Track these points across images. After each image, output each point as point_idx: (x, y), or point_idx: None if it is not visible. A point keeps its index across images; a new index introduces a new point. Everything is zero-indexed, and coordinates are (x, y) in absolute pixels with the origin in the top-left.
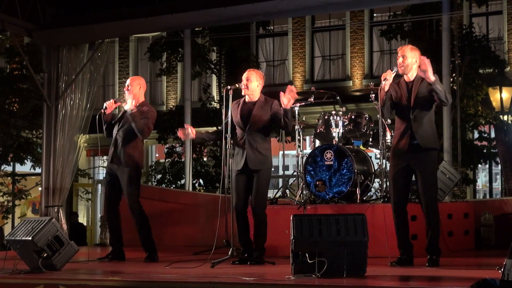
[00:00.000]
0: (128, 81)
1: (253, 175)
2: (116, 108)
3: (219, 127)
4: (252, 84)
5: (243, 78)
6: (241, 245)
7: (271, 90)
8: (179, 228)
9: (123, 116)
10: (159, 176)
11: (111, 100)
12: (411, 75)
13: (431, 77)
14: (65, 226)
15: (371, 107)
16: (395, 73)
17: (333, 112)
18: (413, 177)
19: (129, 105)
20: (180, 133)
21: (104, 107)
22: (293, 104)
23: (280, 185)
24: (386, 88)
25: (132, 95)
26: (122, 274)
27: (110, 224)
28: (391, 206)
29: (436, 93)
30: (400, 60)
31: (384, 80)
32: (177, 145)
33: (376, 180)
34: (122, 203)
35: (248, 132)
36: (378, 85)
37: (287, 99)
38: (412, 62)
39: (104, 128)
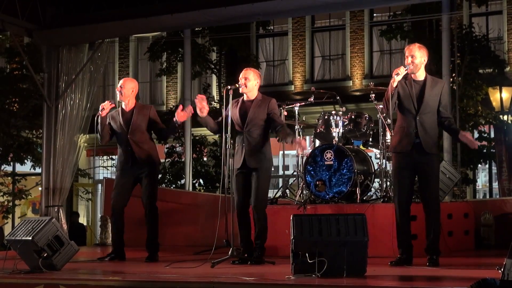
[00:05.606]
0: (121, 82)
1: (253, 174)
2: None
3: (219, 120)
4: (250, 83)
5: (240, 77)
6: (241, 245)
7: (271, 90)
8: (179, 228)
9: (130, 119)
10: (159, 176)
11: (107, 102)
12: (419, 74)
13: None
14: (65, 226)
15: (371, 107)
16: (407, 70)
17: (333, 112)
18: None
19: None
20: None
21: (100, 109)
22: (292, 105)
23: (280, 185)
24: (395, 84)
25: (124, 97)
26: (123, 274)
27: (115, 224)
28: (394, 205)
29: (453, 135)
30: (409, 59)
31: (396, 75)
32: (177, 145)
33: (376, 180)
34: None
35: (246, 130)
36: (378, 85)
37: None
38: (421, 61)
39: (100, 130)
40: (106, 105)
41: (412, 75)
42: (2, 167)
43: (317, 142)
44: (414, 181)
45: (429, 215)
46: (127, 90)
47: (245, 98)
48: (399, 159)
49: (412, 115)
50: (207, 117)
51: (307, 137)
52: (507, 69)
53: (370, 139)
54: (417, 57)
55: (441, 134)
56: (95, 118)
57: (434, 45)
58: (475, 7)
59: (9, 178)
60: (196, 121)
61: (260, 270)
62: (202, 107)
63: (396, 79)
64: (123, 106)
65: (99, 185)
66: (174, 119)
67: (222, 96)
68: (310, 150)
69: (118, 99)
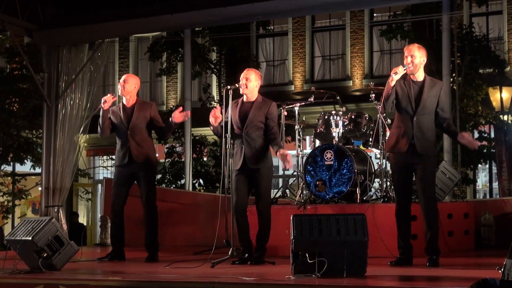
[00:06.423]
0: (124, 77)
1: (254, 175)
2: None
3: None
4: (251, 84)
5: (241, 78)
6: (241, 245)
7: (271, 90)
8: (179, 228)
9: (131, 116)
10: (159, 176)
11: (109, 95)
12: (418, 75)
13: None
14: (65, 226)
15: (371, 107)
16: (405, 70)
17: (333, 112)
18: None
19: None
20: (213, 112)
21: (102, 102)
22: (292, 105)
23: (280, 185)
24: (393, 83)
25: (126, 92)
26: (122, 274)
27: (114, 224)
28: (395, 206)
29: (453, 137)
30: (408, 59)
31: (394, 73)
32: (177, 145)
33: (376, 180)
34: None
35: (246, 131)
36: (378, 85)
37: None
38: (420, 61)
39: (101, 123)
40: (108, 98)
41: (411, 76)
42: (2, 167)
43: (317, 142)
44: (412, 181)
45: (426, 215)
46: (129, 86)
47: (244, 99)
48: (396, 160)
49: (410, 116)
50: (218, 126)
51: (307, 137)
52: (507, 69)
53: (370, 139)
54: (417, 57)
55: (441, 135)
56: (98, 111)
57: (434, 45)
58: (475, 7)
59: (9, 178)
60: (196, 121)
61: (260, 270)
62: (217, 117)
63: (394, 78)
64: (124, 102)
65: (99, 185)
66: (170, 119)
67: (222, 96)
68: (310, 150)
69: (119, 93)
